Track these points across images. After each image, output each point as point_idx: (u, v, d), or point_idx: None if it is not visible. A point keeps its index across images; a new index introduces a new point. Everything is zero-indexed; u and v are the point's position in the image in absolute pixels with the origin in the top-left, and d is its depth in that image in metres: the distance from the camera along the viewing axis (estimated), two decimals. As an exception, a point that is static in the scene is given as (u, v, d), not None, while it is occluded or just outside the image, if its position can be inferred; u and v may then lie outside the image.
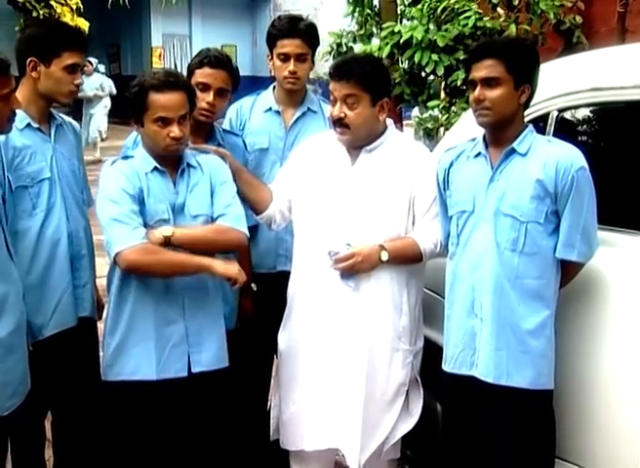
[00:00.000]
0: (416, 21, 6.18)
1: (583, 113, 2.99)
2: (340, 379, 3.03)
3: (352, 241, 2.96)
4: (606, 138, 3.01)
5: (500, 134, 2.75)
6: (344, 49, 6.67)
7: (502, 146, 2.75)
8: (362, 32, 6.79)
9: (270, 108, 3.68)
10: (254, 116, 3.70)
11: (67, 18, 19.27)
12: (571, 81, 3.00)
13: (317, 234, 3.06)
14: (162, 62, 23.22)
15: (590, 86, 2.88)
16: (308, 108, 3.67)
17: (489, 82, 2.67)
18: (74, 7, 19.46)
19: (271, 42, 3.59)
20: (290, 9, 24.85)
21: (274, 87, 3.73)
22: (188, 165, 2.92)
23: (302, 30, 3.55)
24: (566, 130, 2.97)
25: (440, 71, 5.74)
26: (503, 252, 2.71)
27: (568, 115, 2.99)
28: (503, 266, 2.71)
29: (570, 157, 2.65)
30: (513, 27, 5.82)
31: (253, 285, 3.66)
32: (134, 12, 22.46)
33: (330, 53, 6.75)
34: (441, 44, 5.65)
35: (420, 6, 6.09)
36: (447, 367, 2.88)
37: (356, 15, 7.05)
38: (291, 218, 3.25)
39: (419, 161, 3.07)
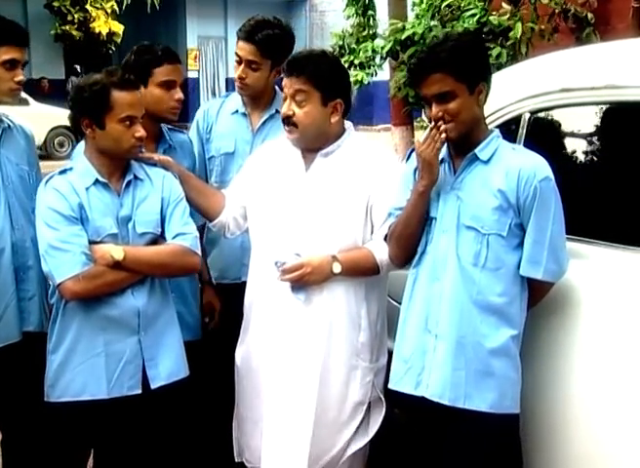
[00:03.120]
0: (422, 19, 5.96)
1: (556, 115, 2.74)
2: (291, 399, 2.81)
3: (304, 251, 2.73)
4: (579, 142, 2.76)
5: (463, 139, 2.51)
6: (347, 50, 6.46)
7: (466, 152, 2.51)
8: (365, 34, 6.56)
9: (237, 111, 3.47)
10: (220, 119, 3.50)
11: (102, 21, 19.44)
12: (541, 82, 2.75)
13: (269, 243, 2.85)
14: (197, 65, 23.22)
15: (560, 87, 2.64)
16: (276, 110, 3.41)
17: (442, 97, 2.44)
18: (109, 10, 19.53)
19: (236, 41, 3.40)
20: (326, 9, 24.72)
21: None
22: (135, 177, 2.71)
23: (259, 39, 3.31)
24: (539, 132, 2.73)
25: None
26: (465, 266, 2.48)
27: (540, 117, 2.74)
28: (464, 281, 2.47)
29: (533, 167, 2.41)
30: (519, 26, 5.54)
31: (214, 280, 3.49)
32: (169, 14, 22.51)
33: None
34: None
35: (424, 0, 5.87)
36: (390, 384, 2.65)
37: (357, 16, 6.82)
38: (246, 226, 3.03)
39: (377, 167, 2.82)
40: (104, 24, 19.53)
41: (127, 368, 2.65)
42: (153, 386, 2.68)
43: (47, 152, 15.43)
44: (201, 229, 3.30)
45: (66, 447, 2.76)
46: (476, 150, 2.48)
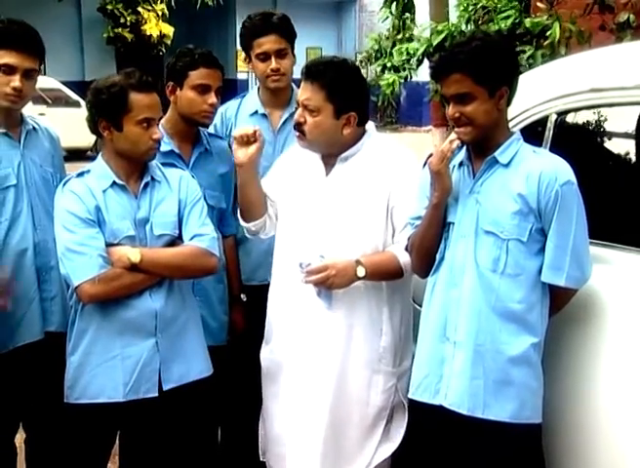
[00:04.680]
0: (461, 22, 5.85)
1: (584, 116, 2.61)
2: (308, 402, 2.74)
3: (326, 254, 2.64)
4: (607, 144, 2.63)
5: (483, 142, 2.40)
6: (383, 54, 6.32)
7: (486, 155, 2.40)
8: (400, 36, 6.41)
9: (256, 111, 3.39)
10: (240, 121, 3.40)
11: (153, 23, 19.61)
12: (569, 82, 2.63)
13: (291, 247, 2.77)
14: (247, 66, 23.25)
15: (589, 87, 2.51)
16: (296, 108, 3.37)
17: (460, 98, 2.32)
18: (160, 13, 19.68)
19: (247, 43, 3.31)
20: (375, 10, 24.66)
21: (259, 88, 3.45)
22: (153, 178, 2.66)
23: (277, 25, 3.26)
24: (565, 134, 2.61)
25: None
26: (483, 272, 2.36)
27: (568, 118, 2.62)
28: (483, 288, 2.36)
29: (554, 170, 2.28)
30: (557, 26, 5.36)
31: (243, 296, 3.38)
32: (219, 16, 22.63)
33: (367, 58, 6.40)
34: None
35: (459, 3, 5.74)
36: (410, 392, 2.56)
37: (393, 18, 6.69)
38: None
39: (397, 169, 2.71)
40: (155, 27, 19.68)
41: (144, 370, 2.60)
42: (165, 388, 2.63)
43: (97, 153, 15.55)
44: (233, 240, 3.27)
45: (86, 447, 2.70)
46: (496, 153, 2.37)
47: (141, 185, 2.63)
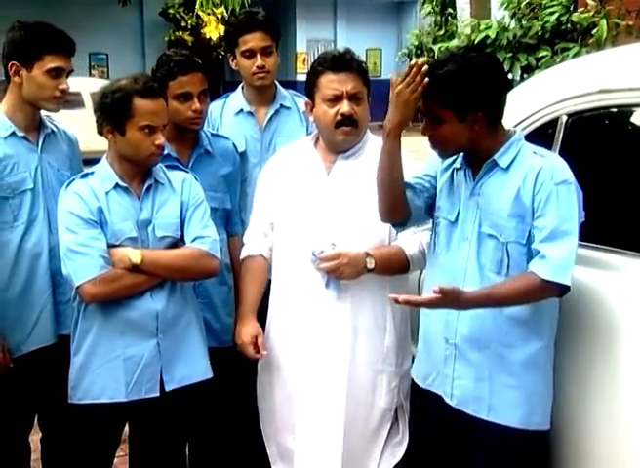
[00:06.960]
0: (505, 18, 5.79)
1: (594, 118, 2.55)
2: (320, 403, 2.74)
3: (337, 244, 2.68)
4: (619, 146, 2.56)
5: (473, 150, 2.38)
6: (423, 50, 6.25)
7: (483, 159, 2.37)
8: (442, 32, 6.34)
9: (242, 110, 3.43)
10: (225, 120, 3.44)
11: (212, 26, 19.87)
12: (579, 83, 2.58)
13: (297, 245, 2.78)
14: (306, 68, 23.40)
15: (599, 88, 2.46)
16: (281, 105, 3.42)
17: (431, 118, 2.32)
18: (219, 16, 19.92)
19: (232, 41, 3.34)
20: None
21: (242, 87, 3.48)
22: (156, 181, 2.70)
23: (262, 22, 3.30)
24: (576, 136, 2.56)
25: (516, 71, 5.25)
26: (487, 274, 2.34)
27: (578, 120, 2.57)
28: None
29: (550, 169, 2.24)
30: (604, 23, 5.26)
31: None
32: (279, 18, 22.68)
33: (407, 54, 6.35)
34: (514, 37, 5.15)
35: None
36: (423, 383, 2.56)
37: (434, 14, 6.62)
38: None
39: None
40: (215, 30, 19.92)
41: (145, 371, 2.65)
42: (167, 389, 2.68)
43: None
44: (240, 239, 3.27)
45: (91, 445, 2.76)
46: (495, 156, 2.34)
47: (145, 188, 2.67)
